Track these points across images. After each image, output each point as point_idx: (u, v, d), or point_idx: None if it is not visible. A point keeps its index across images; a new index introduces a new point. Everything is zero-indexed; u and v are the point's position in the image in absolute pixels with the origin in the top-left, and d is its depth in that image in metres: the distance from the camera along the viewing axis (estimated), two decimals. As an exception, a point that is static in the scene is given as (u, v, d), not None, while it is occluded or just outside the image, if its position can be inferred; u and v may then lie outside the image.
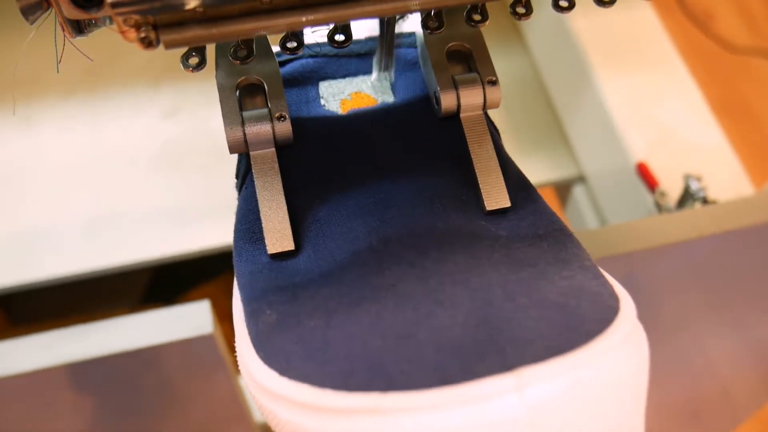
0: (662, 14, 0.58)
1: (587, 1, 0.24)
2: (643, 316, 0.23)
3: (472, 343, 0.19)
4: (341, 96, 0.29)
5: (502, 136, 0.30)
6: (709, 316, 0.46)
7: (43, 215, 0.52)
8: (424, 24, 0.26)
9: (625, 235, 0.37)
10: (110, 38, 0.25)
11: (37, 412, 0.39)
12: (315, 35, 0.29)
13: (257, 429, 0.45)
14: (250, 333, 0.23)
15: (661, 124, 0.51)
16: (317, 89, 0.29)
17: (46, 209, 0.52)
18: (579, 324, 0.20)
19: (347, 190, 0.26)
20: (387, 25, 0.27)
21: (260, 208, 0.26)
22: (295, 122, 0.27)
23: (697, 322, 0.46)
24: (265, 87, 0.27)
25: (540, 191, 0.27)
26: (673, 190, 0.47)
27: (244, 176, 0.28)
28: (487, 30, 0.26)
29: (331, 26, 0.25)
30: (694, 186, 0.45)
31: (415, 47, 0.30)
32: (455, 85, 0.27)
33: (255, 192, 0.26)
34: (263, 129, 0.26)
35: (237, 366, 0.25)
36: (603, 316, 0.21)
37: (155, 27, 0.20)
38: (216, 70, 0.27)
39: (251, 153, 0.26)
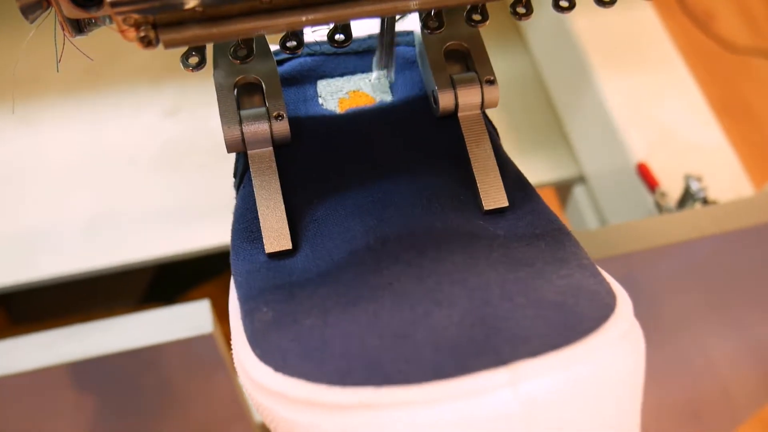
0: (663, 14, 0.58)
1: (588, 1, 0.24)
2: (643, 317, 0.23)
3: (469, 342, 0.19)
4: (339, 94, 0.29)
5: (502, 136, 0.30)
6: (709, 316, 0.46)
7: (43, 214, 0.52)
8: (425, 24, 0.26)
9: (625, 236, 0.37)
10: (110, 37, 0.25)
11: (37, 411, 0.39)
12: (315, 34, 0.29)
13: (257, 429, 0.45)
14: (246, 331, 0.23)
15: (662, 125, 0.51)
16: (315, 88, 0.29)
17: (46, 208, 0.52)
18: (576, 322, 0.20)
19: (345, 190, 0.26)
20: (387, 24, 0.27)
21: (258, 207, 0.26)
22: (293, 121, 0.27)
23: (698, 322, 0.46)
24: (263, 86, 0.27)
25: (540, 191, 0.27)
26: (673, 190, 0.47)
27: (242, 175, 0.28)
28: (487, 30, 0.26)
29: (331, 26, 0.25)
30: (694, 186, 0.45)
31: (413, 46, 0.30)
32: (453, 85, 0.27)
33: (253, 191, 0.26)
34: (261, 128, 0.26)
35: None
36: (600, 313, 0.21)
37: (155, 26, 0.20)
38: (214, 69, 0.27)
39: (249, 152, 0.26)
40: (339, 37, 0.25)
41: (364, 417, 0.19)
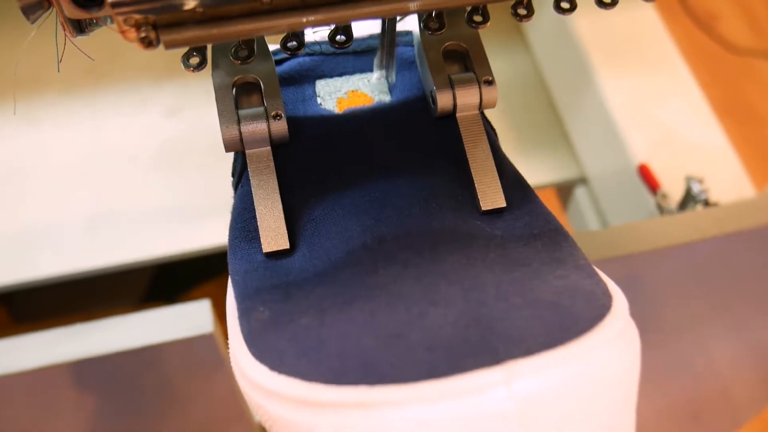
0: (665, 15, 0.58)
1: (589, 2, 0.24)
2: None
3: (464, 342, 0.19)
4: (338, 94, 0.29)
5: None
6: (710, 317, 0.46)
7: (43, 213, 0.52)
8: (425, 25, 0.25)
9: (626, 237, 0.37)
10: (111, 37, 0.25)
11: (37, 411, 0.39)
12: (315, 35, 0.29)
13: (257, 429, 0.45)
14: (242, 330, 0.23)
15: (663, 126, 0.51)
16: (314, 87, 0.29)
17: (46, 207, 0.52)
18: (572, 323, 0.20)
19: (343, 189, 0.26)
20: (388, 25, 0.27)
21: (256, 207, 0.26)
22: (292, 121, 0.27)
23: (699, 323, 0.46)
24: (262, 85, 0.27)
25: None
26: (674, 191, 0.47)
27: (240, 175, 0.28)
28: (488, 30, 0.25)
29: (332, 27, 0.25)
30: (695, 188, 0.45)
31: (412, 46, 0.30)
32: (451, 85, 0.27)
33: (251, 190, 0.26)
34: (259, 127, 0.26)
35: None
36: (595, 314, 0.21)
37: (155, 27, 0.20)
38: (213, 69, 0.27)
39: (247, 151, 0.26)
40: (340, 38, 0.25)
41: (359, 416, 0.19)
